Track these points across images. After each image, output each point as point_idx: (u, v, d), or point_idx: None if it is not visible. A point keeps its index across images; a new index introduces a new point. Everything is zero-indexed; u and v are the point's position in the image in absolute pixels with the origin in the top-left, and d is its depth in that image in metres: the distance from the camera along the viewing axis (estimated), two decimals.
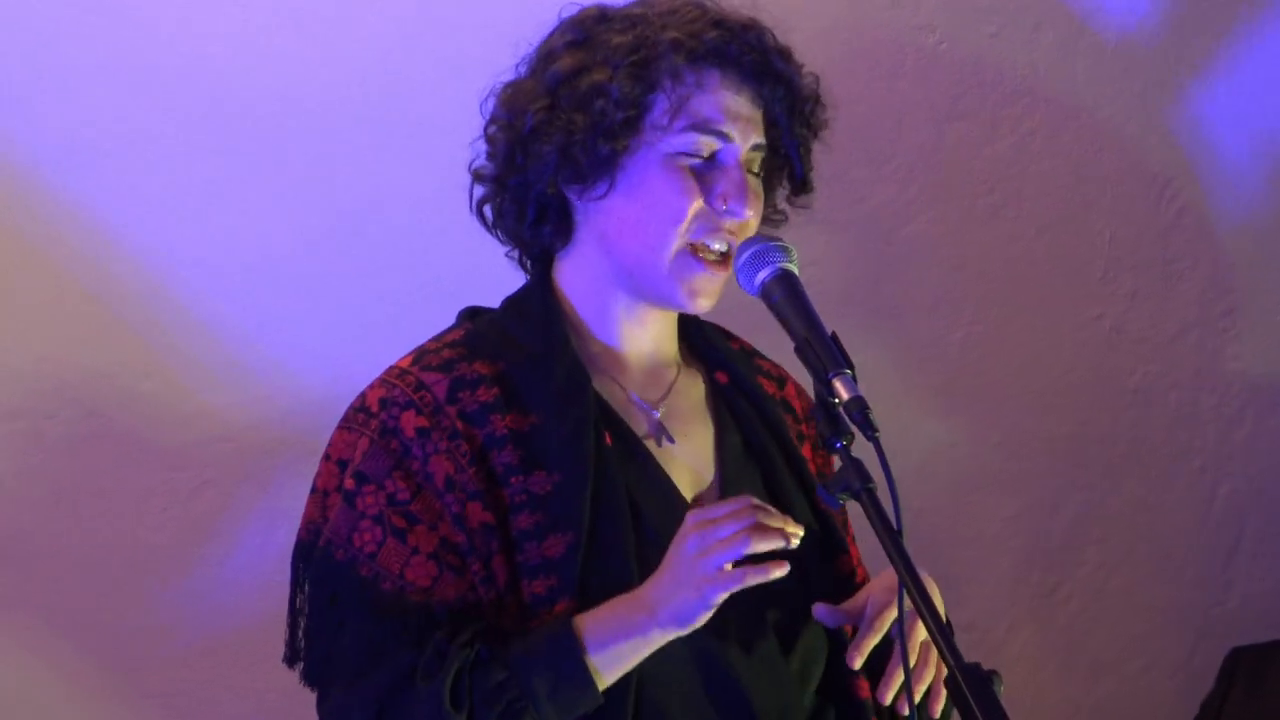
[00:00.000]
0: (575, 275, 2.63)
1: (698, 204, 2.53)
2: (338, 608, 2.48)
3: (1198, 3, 4.12)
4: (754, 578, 2.39)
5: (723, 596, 2.39)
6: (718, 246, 2.54)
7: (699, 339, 2.71)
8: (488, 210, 2.66)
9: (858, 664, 2.53)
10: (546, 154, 2.56)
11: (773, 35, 2.60)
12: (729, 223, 2.54)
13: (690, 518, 2.43)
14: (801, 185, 2.67)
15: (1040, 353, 4.07)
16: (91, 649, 3.41)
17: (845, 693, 2.60)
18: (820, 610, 2.57)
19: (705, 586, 2.39)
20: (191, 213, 3.44)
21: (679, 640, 2.46)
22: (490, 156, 2.64)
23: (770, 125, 2.60)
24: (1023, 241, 4.05)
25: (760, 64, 2.57)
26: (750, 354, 2.76)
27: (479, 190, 2.66)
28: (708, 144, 2.54)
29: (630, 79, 2.53)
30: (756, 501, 2.43)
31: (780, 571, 2.40)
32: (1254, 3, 4.15)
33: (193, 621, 3.45)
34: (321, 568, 2.50)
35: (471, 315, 2.67)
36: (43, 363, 3.38)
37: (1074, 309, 4.09)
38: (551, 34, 2.63)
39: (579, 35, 2.60)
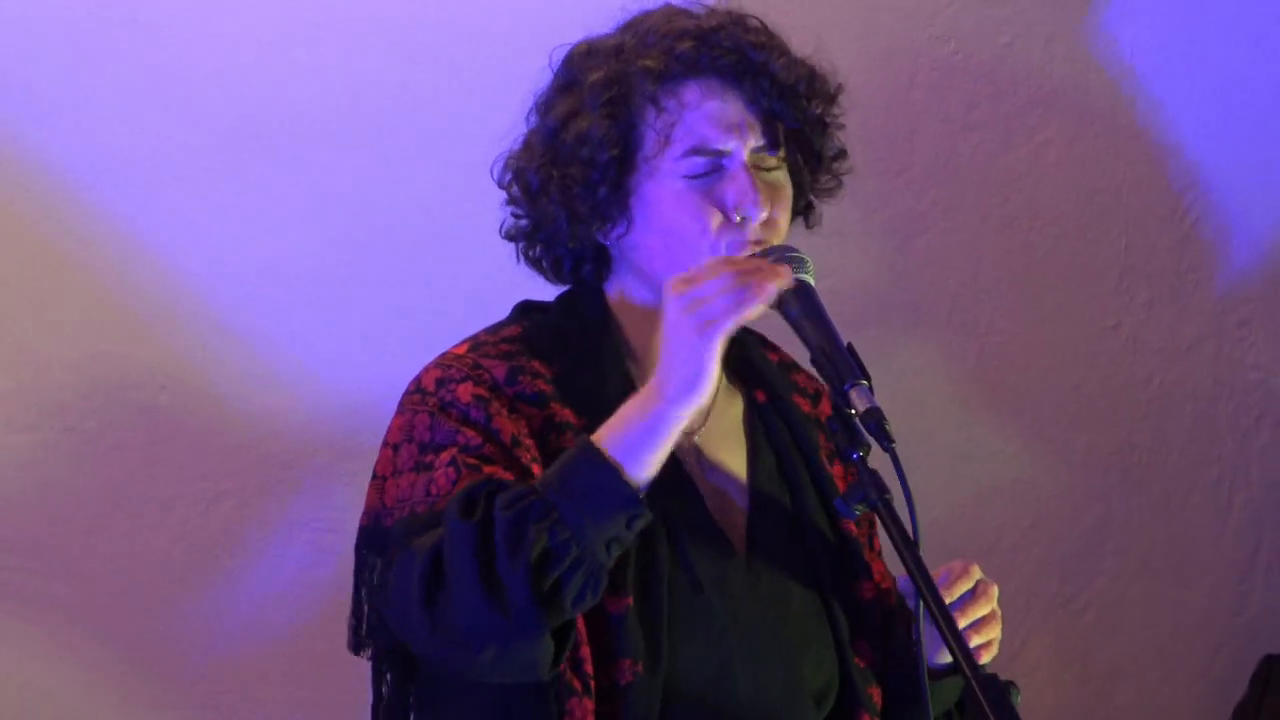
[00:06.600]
0: (620, 299, 2.61)
1: (717, 220, 2.50)
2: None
3: (1211, 13, 4.12)
4: (750, 303, 2.34)
5: (721, 339, 2.33)
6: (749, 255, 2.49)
7: (739, 355, 2.65)
8: (530, 258, 2.66)
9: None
10: (554, 211, 2.55)
11: (748, 26, 2.56)
12: (753, 229, 2.51)
13: (666, 287, 2.37)
14: (818, 161, 2.62)
15: (1056, 362, 4.07)
16: (110, 663, 3.41)
17: None
18: (902, 581, 2.56)
19: (708, 330, 2.32)
20: (210, 223, 3.44)
21: (699, 657, 2.47)
22: (515, 215, 2.63)
23: (770, 117, 2.55)
24: (1038, 251, 4.05)
25: (738, 64, 2.53)
26: (788, 368, 2.74)
27: (518, 244, 2.65)
28: (708, 159, 2.51)
29: (607, 119, 2.51)
30: (724, 256, 2.44)
31: (786, 281, 2.38)
32: (1267, 13, 4.16)
33: (211, 633, 3.45)
34: (389, 533, 2.45)
35: (526, 311, 2.65)
36: (60, 375, 3.38)
37: (1090, 318, 4.09)
38: (550, 80, 2.61)
39: (567, 77, 2.58)
